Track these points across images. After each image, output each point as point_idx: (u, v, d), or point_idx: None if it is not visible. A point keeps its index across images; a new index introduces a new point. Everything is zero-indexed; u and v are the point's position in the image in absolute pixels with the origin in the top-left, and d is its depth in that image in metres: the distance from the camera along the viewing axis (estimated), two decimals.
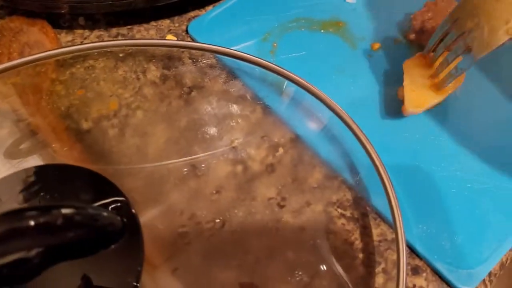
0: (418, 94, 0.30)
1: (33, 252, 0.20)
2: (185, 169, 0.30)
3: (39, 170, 0.27)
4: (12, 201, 0.24)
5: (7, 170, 0.30)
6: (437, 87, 0.30)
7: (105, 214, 0.23)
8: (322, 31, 0.35)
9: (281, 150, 0.30)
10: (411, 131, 0.31)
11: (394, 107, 0.31)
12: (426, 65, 0.31)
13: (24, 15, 0.33)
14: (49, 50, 0.30)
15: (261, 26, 0.35)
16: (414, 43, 0.34)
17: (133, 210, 0.25)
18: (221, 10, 0.36)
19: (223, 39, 0.34)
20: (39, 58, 0.30)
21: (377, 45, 0.34)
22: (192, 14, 0.36)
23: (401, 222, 0.26)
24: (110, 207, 0.25)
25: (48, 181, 0.26)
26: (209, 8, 0.36)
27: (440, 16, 0.33)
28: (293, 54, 0.33)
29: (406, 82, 0.30)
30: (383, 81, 0.33)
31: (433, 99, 0.30)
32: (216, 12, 0.35)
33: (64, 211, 0.20)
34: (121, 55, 0.32)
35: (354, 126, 0.28)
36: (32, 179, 0.26)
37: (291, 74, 0.30)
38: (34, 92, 0.30)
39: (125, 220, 0.24)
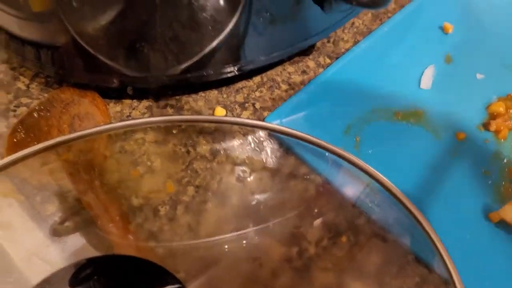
0: None
1: None
2: (237, 250, 0.29)
3: (89, 263, 0.26)
4: None
5: (49, 245, 0.29)
6: None
7: None
8: (403, 121, 0.34)
9: (336, 231, 0.29)
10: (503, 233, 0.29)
11: (481, 208, 0.30)
12: None
13: (75, 85, 0.33)
14: (102, 125, 0.30)
15: (340, 118, 0.34)
16: (499, 132, 0.33)
17: None
18: (295, 103, 0.34)
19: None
20: (91, 133, 0.30)
21: (462, 135, 0.33)
22: (239, 85, 0.36)
23: None
24: None
25: (101, 273, 0.25)
26: (278, 100, 0.36)
27: None
28: (377, 148, 0.32)
29: None
30: (473, 177, 0.31)
31: None
32: (291, 106, 0.34)
33: None
34: (174, 131, 0.32)
35: (436, 240, 0.27)
36: (83, 272, 0.25)
37: (383, 178, 0.29)
38: (86, 169, 0.29)
39: None
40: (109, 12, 0.30)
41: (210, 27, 0.31)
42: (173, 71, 0.32)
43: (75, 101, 0.32)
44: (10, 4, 0.30)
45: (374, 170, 0.29)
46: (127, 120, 0.32)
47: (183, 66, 0.32)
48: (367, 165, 0.29)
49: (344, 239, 0.29)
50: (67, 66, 0.33)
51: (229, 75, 0.33)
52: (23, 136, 0.30)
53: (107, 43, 0.31)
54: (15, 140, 0.30)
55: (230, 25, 0.31)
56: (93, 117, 0.32)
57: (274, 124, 0.31)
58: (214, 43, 0.32)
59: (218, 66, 0.33)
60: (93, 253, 0.28)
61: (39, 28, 0.32)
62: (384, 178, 0.29)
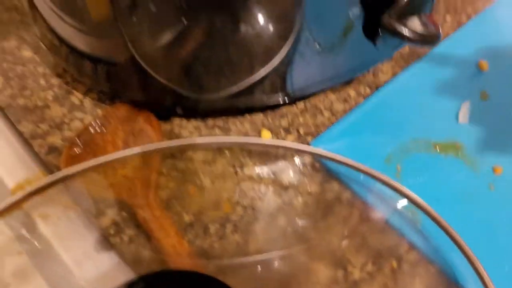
0: None
1: None
2: (284, 269, 0.30)
3: (142, 280, 0.26)
4: None
5: (102, 256, 0.30)
6: None
7: None
8: (442, 153, 0.35)
9: (380, 257, 0.30)
10: None
11: None
12: None
13: (130, 103, 0.34)
14: (157, 143, 0.31)
15: (382, 147, 0.35)
16: None
17: None
18: (337, 131, 0.36)
19: None
20: (147, 150, 0.31)
21: (499, 169, 0.34)
22: (284, 110, 0.37)
23: None
24: None
25: None
26: (322, 128, 0.37)
27: None
28: (417, 179, 0.33)
29: None
30: (511, 211, 0.32)
31: None
32: (333, 133, 0.36)
33: None
34: (227, 152, 0.33)
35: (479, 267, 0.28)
36: None
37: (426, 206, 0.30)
38: (143, 184, 0.30)
39: None
40: (169, 33, 0.31)
41: (263, 56, 0.32)
42: (224, 94, 0.34)
43: (130, 118, 0.33)
44: (73, 14, 0.31)
45: (419, 198, 0.30)
46: (182, 139, 0.33)
47: (234, 91, 0.34)
48: (412, 193, 0.30)
49: (388, 265, 0.30)
50: (123, 83, 0.34)
51: (275, 102, 0.35)
52: (80, 150, 0.31)
53: (165, 63, 0.32)
54: (71, 153, 0.31)
55: (280, 56, 0.33)
56: (147, 134, 0.33)
57: (320, 149, 0.32)
58: (265, 72, 0.33)
59: (266, 94, 0.34)
60: (145, 268, 0.29)
61: (99, 43, 0.33)
62: (429, 206, 0.30)
